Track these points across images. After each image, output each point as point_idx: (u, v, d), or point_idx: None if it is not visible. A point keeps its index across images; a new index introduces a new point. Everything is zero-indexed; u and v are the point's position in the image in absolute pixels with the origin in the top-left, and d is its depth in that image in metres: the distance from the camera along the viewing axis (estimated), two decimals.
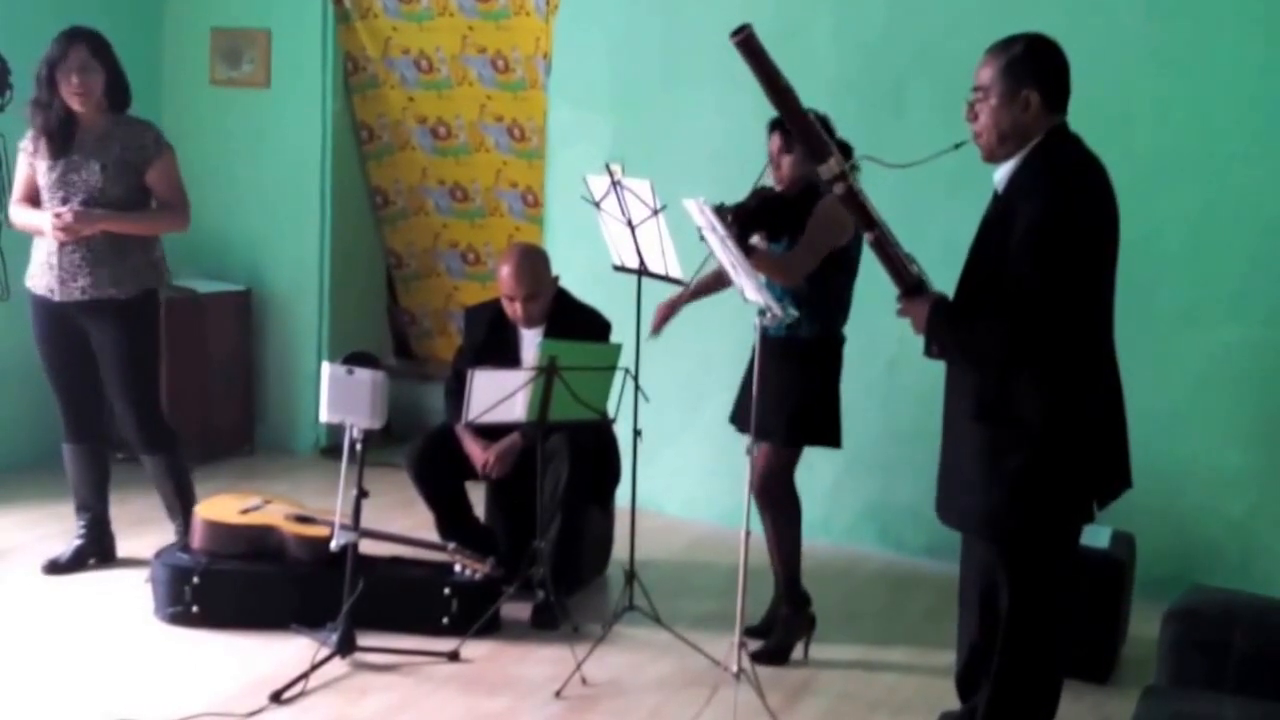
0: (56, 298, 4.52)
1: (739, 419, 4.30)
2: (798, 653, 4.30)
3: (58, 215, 4.40)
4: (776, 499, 4.24)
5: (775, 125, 4.11)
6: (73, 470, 4.76)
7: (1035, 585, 3.16)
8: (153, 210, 4.63)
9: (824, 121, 4.10)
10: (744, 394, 4.29)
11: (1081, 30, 4.69)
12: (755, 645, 4.14)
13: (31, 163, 4.56)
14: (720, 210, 3.88)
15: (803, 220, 4.02)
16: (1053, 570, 3.18)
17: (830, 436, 4.23)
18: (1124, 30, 4.91)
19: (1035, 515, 3.09)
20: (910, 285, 3.14)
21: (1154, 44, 4.90)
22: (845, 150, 4.08)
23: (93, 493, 4.78)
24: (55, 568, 4.71)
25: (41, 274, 4.56)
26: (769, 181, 4.18)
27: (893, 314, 3.23)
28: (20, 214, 4.61)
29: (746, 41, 3.08)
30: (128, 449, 4.92)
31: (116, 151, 4.50)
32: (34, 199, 4.57)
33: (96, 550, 4.80)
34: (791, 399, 4.12)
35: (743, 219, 3.93)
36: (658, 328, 4.43)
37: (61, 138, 4.48)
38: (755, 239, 4.03)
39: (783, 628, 4.31)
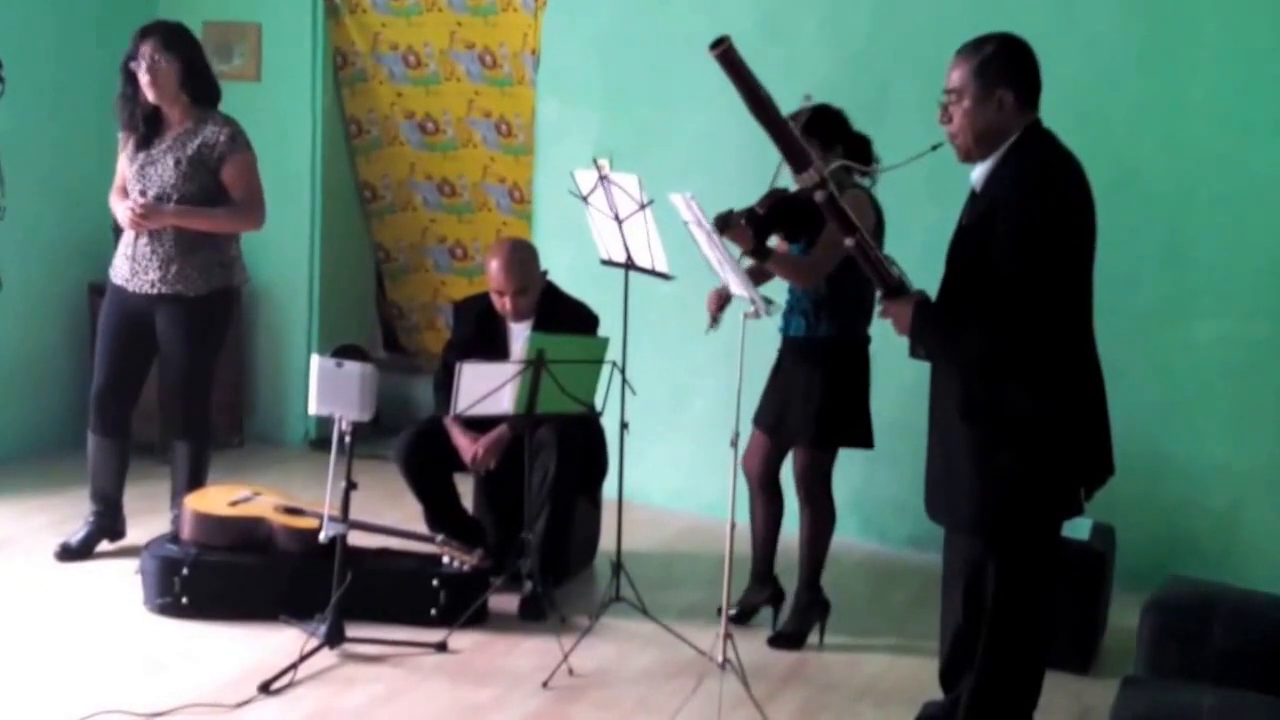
0: (129, 288, 4.59)
1: (762, 421, 4.31)
2: (813, 637, 4.35)
3: (129, 207, 4.46)
4: (815, 497, 4.28)
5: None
6: (96, 461, 4.78)
7: (1023, 578, 3.19)
8: (224, 209, 4.60)
9: (840, 116, 4.12)
10: (768, 395, 4.30)
11: (1061, 30, 4.75)
12: (738, 633, 4.15)
13: (123, 155, 4.63)
14: (729, 216, 3.85)
15: (820, 219, 4.00)
16: (1040, 563, 3.21)
17: (860, 437, 4.25)
18: (1103, 29, 4.95)
19: (1026, 512, 3.13)
20: (892, 287, 3.16)
21: (1132, 42, 4.93)
22: (864, 144, 4.10)
23: (112, 483, 4.81)
24: (67, 552, 4.73)
25: (120, 263, 4.64)
26: (785, 180, 4.16)
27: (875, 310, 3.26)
28: (113, 204, 4.69)
29: (726, 54, 3.07)
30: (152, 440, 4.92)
31: (193, 148, 4.52)
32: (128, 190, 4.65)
33: (109, 533, 4.84)
34: (816, 401, 4.14)
35: (756, 224, 3.88)
36: (715, 318, 4.18)
37: (145, 132, 4.53)
38: (774, 240, 4.01)
39: (799, 613, 4.36)
